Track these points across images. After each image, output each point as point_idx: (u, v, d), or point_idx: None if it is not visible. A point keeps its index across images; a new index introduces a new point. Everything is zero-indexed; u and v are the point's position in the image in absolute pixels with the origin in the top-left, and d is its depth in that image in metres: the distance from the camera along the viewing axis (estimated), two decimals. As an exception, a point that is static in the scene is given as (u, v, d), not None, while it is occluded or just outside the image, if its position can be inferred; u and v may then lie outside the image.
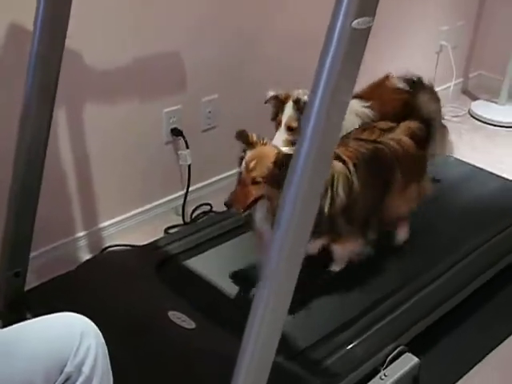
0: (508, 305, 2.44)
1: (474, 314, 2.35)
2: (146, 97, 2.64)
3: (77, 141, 2.46)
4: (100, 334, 1.36)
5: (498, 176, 3.01)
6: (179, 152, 2.79)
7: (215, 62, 2.76)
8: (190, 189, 2.94)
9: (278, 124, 2.25)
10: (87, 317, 1.40)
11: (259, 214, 2.03)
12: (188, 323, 2.08)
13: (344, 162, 2.07)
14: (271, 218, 1.93)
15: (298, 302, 2.12)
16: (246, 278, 2.29)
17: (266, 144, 2.02)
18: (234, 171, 2.85)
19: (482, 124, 3.88)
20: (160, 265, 2.36)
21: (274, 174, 1.91)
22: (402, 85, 2.53)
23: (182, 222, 2.88)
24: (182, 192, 2.94)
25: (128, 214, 2.79)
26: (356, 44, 1.17)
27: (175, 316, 2.10)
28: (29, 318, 1.45)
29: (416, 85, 2.53)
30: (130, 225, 2.80)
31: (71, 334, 1.32)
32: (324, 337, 2.08)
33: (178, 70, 2.69)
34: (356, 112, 2.42)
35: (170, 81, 2.71)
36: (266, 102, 2.31)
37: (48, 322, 1.37)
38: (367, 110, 2.44)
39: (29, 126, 1.90)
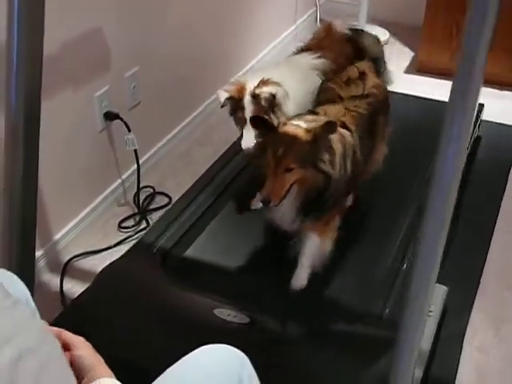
0: None
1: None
2: (73, 83, 2.31)
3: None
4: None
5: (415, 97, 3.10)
6: (125, 137, 2.52)
7: (133, 36, 2.55)
8: (123, 176, 2.70)
9: (242, 122, 2.12)
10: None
11: (283, 204, 1.84)
12: (240, 318, 1.92)
13: (351, 132, 1.97)
14: (298, 206, 1.85)
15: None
16: (268, 254, 2.21)
17: (285, 124, 1.85)
18: (163, 145, 2.88)
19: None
20: (166, 264, 2.16)
21: (307, 153, 1.78)
22: (348, 32, 2.49)
23: (131, 213, 2.65)
24: (119, 180, 2.69)
25: (77, 218, 2.49)
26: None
27: (223, 313, 1.93)
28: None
29: (358, 32, 2.55)
30: (82, 228, 2.50)
31: (232, 369, 1.21)
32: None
33: (101, 49, 2.41)
34: (313, 66, 2.34)
35: (94, 62, 2.42)
36: (222, 107, 2.17)
37: (209, 358, 1.22)
38: (322, 61, 2.35)
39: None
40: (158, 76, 2.76)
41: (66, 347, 1.05)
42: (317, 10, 4.14)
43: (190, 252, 2.21)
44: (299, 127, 1.82)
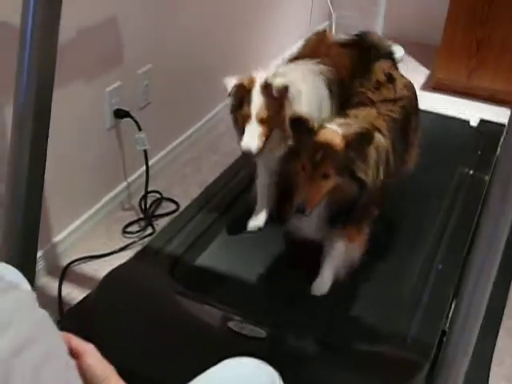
0: None
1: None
2: (85, 75, 2.18)
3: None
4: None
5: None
6: (136, 136, 2.39)
7: (147, 32, 2.43)
8: (129, 179, 2.57)
9: (246, 117, 1.87)
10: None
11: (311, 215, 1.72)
12: (256, 332, 1.77)
13: (384, 137, 1.86)
14: (327, 214, 1.75)
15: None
16: (281, 264, 2.04)
17: (323, 127, 1.74)
18: (172, 149, 2.77)
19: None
20: (176, 272, 1.99)
21: (343, 160, 1.68)
22: (344, 38, 2.34)
23: (136, 218, 2.51)
24: (125, 183, 2.56)
25: (79, 221, 2.35)
26: None
27: (238, 326, 1.78)
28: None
29: (361, 34, 2.35)
30: (84, 231, 2.36)
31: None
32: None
33: (115, 42, 2.29)
34: (318, 71, 2.14)
35: (108, 55, 2.30)
36: (229, 95, 1.91)
37: (236, 372, 1.17)
38: (326, 68, 2.16)
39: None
40: (171, 76, 2.65)
41: (74, 355, 0.93)
42: (330, 24, 4.03)
43: (201, 260, 2.05)
44: (336, 132, 1.72)
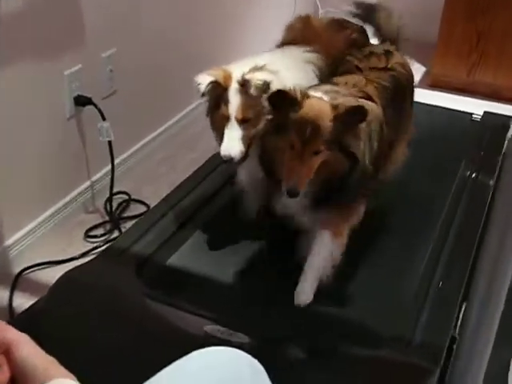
0: None
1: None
2: (38, 54, 2.00)
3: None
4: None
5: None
6: (99, 125, 2.21)
7: (113, 9, 2.28)
8: (93, 177, 2.40)
9: (224, 119, 1.72)
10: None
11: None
12: (236, 336, 1.60)
13: (376, 104, 1.75)
14: (315, 193, 1.61)
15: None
16: (254, 264, 1.91)
17: (309, 97, 1.59)
18: (143, 145, 2.62)
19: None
20: (144, 273, 1.83)
21: (333, 132, 1.55)
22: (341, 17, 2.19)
23: (101, 220, 2.35)
24: (88, 182, 2.40)
25: (34, 222, 2.16)
26: None
27: (216, 330, 1.62)
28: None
29: (366, 7, 2.23)
30: (41, 235, 2.18)
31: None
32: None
33: (75, 18, 2.13)
34: (307, 59, 1.98)
35: (66, 32, 2.12)
36: (202, 95, 1.74)
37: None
38: (315, 55, 2.00)
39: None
40: (139, 63, 2.49)
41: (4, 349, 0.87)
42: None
43: (172, 261, 1.90)
44: (323, 101, 1.59)
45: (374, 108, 1.68)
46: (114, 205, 2.38)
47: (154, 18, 2.50)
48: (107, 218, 2.35)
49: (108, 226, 2.31)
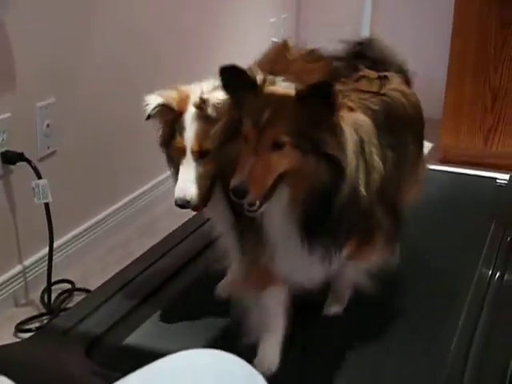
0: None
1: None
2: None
3: None
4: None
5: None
6: (33, 183, 2.01)
7: (53, 52, 2.17)
8: (26, 261, 2.18)
9: (180, 151, 1.59)
10: None
11: (272, 212, 1.48)
12: None
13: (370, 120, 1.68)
14: (296, 217, 1.49)
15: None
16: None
17: (273, 84, 1.52)
18: (90, 227, 2.44)
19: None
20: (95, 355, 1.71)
21: (303, 123, 1.45)
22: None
23: (36, 313, 2.13)
24: (20, 266, 2.17)
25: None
26: None
27: None
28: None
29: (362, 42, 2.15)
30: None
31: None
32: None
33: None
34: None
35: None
36: (148, 118, 1.61)
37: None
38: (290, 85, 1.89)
39: None
40: (85, 120, 2.32)
41: None
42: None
43: (130, 340, 1.79)
44: (290, 87, 1.51)
45: (365, 122, 1.60)
46: (54, 296, 2.17)
47: (102, 65, 2.35)
48: (44, 311, 2.14)
49: (45, 320, 2.09)
